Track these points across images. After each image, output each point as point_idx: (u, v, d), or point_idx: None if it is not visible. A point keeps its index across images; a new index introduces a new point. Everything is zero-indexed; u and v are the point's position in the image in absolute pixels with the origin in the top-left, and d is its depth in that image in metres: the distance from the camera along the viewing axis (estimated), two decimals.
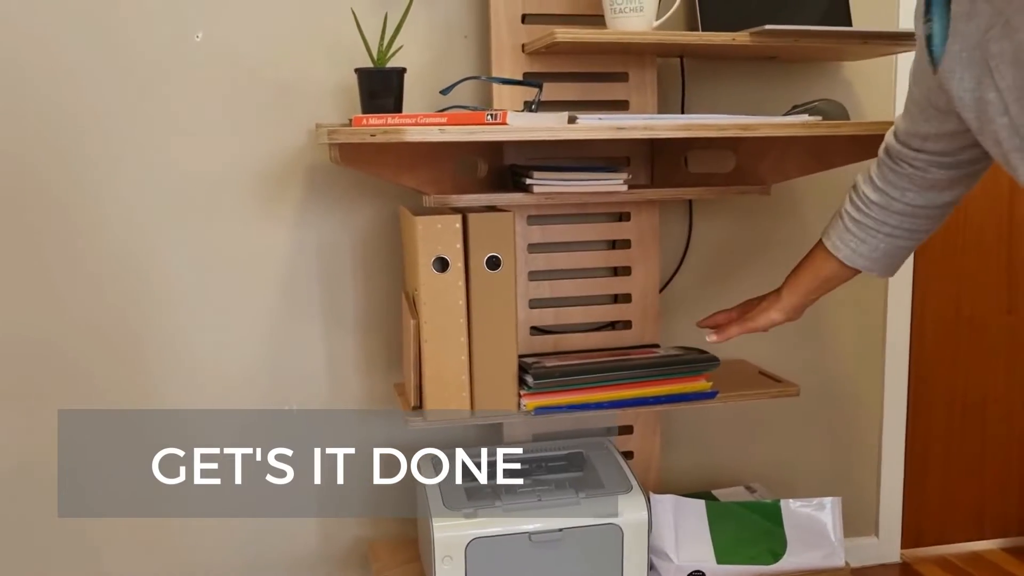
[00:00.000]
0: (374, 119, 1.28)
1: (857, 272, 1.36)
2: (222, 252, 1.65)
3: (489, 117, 1.25)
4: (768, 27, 1.47)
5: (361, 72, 1.48)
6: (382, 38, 1.48)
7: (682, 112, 1.76)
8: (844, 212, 1.33)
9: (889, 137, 1.25)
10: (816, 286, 1.42)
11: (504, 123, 1.25)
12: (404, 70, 1.49)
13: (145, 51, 1.56)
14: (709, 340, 1.52)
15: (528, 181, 1.48)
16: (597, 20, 1.55)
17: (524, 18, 1.59)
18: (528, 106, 1.43)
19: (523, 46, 1.58)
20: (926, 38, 1.03)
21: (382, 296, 1.73)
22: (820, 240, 1.38)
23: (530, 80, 1.45)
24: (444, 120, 1.27)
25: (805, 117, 1.44)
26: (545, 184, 1.46)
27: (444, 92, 1.46)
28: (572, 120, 1.31)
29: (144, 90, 1.57)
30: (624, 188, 1.51)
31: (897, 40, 1.60)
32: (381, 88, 1.48)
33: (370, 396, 1.76)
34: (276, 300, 1.69)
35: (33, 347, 1.61)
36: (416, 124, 1.24)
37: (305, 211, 1.67)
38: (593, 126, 1.25)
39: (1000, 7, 0.94)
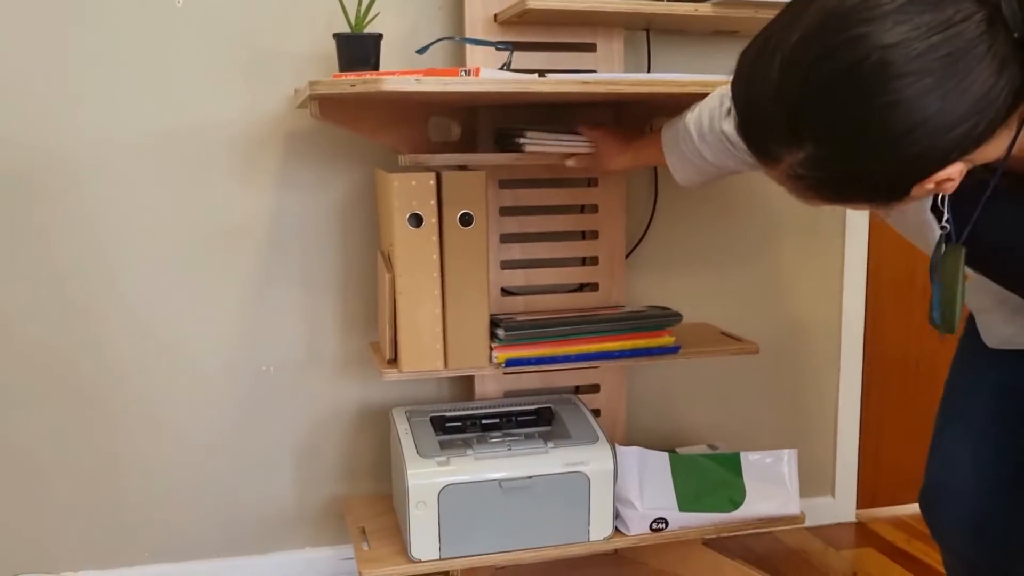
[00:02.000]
0: (352, 75, 1.34)
1: None
2: (202, 216, 1.70)
3: (463, 73, 1.32)
4: None
5: (339, 37, 1.54)
6: (359, 4, 1.54)
7: None
8: (688, 131, 1.35)
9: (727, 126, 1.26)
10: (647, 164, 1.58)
11: (477, 77, 1.31)
12: (381, 36, 1.55)
13: (126, 16, 1.61)
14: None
15: (520, 140, 1.53)
16: None
17: None
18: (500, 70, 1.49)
19: (495, 16, 1.65)
20: None
21: (359, 259, 1.78)
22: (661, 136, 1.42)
23: (501, 42, 1.51)
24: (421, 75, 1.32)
25: None
26: (537, 143, 1.52)
27: (420, 52, 1.52)
28: (541, 76, 1.37)
29: (125, 56, 1.62)
30: None
31: None
32: (359, 53, 1.54)
33: (347, 357, 1.81)
34: (255, 262, 1.74)
35: (20, 316, 1.65)
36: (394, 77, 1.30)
37: (284, 176, 1.72)
38: (560, 79, 1.31)
39: None
